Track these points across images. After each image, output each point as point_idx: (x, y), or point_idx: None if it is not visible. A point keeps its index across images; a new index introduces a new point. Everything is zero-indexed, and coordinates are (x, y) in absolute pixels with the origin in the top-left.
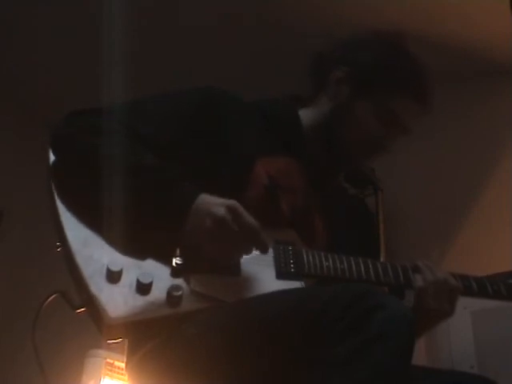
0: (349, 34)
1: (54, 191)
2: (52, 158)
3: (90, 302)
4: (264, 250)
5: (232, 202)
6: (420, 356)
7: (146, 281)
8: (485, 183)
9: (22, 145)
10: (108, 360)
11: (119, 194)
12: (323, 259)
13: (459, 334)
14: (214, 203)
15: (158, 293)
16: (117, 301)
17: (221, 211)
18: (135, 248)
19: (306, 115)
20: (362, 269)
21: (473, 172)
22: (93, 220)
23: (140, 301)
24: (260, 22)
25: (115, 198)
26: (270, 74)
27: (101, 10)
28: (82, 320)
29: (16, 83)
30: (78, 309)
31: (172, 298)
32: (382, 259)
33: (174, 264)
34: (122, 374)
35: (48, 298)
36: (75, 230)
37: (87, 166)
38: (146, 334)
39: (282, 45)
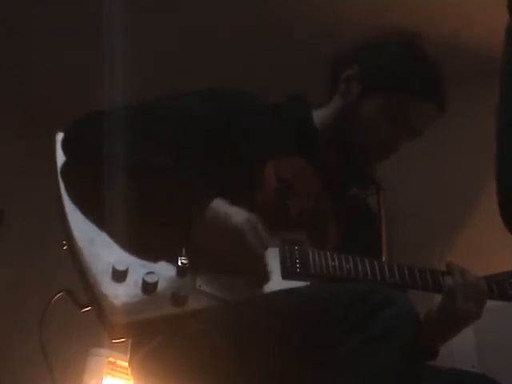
0: (362, 35)
1: (62, 190)
2: (60, 158)
3: (96, 301)
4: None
5: (249, 216)
6: None
7: (151, 280)
8: (485, 183)
9: (22, 145)
10: (110, 359)
11: (127, 194)
12: (329, 259)
13: (460, 333)
14: (232, 212)
15: (164, 292)
16: (122, 300)
17: (239, 222)
18: (141, 247)
19: (319, 116)
20: (368, 269)
21: (473, 172)
22: (100, 219)
23: (145, 300)
24: (260, 22)
25: (123, 198)
26: (270, 73)
27: (101, 10)
28: (85, 319)
29: (16, 83)
30: (84, 307)
31: (177, 297)
32: (383, 259)
33: (179, 263)
34: (123, 373)
35: (54, 296)
36: (82, 229)
37: (97, 166)
38: (150, 332)
39: (282, 45)
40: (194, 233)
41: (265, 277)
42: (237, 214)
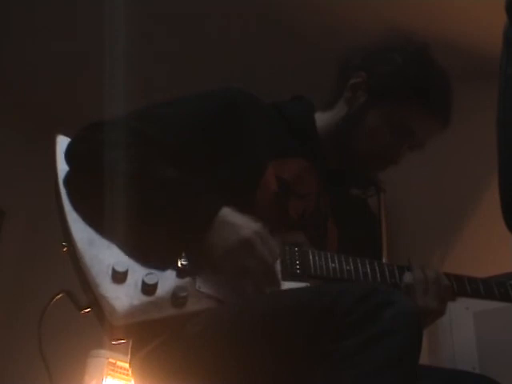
0: (363, 35)
1: (62, 194)
2: (61, 162)
3: (96, 303)
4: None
5: (258, 227)
6: (422, 356)
7: (151, 281)
8: (486, 184)
9: (22, 145)
10: (110, 360)
11: (131, 203)
12: (329, 260)
13: (461, 335)
14: (240, 223)
15: (164, 293)
16: (122, 301)
17: (248, 234)
18: (141, 249)
19: (321, 118)
20: (369, 270)
21: (474, 173)
22: (100, 220)
23: (145, 301)
24: (260, 22)
25: (127, 207)
26: (270, 74)
27: (101, 9)
28: (85, 320)
29: (16, 83)
30: (84, 309)
31: (177, 298)
32: (384, 260)
33: (179, 265)
34: (124, 374)
35: (54, 297)
36: (82, 231)
37: (102, 178)
38: (150, 333)
39: (283, 45)
40: (202, 240)
41: (276, 285)
42: (245, 226)
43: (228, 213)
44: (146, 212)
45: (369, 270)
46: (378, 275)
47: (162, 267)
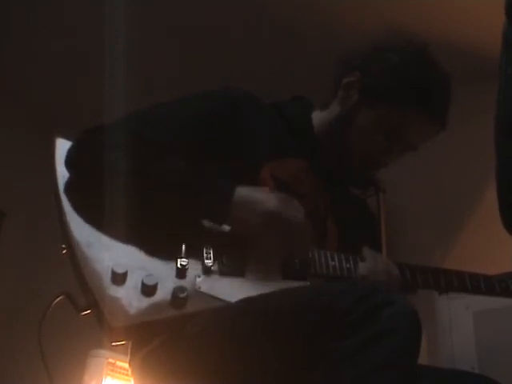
0: (374, 42)
1: (62, 197)
2: (60, 164)
3: (95, 305)
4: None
5: (279, 194)
6: (421, 356)
7: (150, 282)
8: (486, 184)
9: (22, 146)
10: (110, 360)
11: (129, 200)
12: (329, 259)
13: (461, 335)
14: (261, 197)
15: (163, 294)
16: (122, 303)
17: (273, 205)
18: (142, 250)
19: (318, 117)
20: None
21: (474, 173)
22: (100, 222)
23: (145, 303)
24: (260, 23)
25: (126, 203)
26: (270, 74)
27: (102, 8)
28: (85, 320)
29: (16, 83)
30: (83, 311)
31: (177, 299)
32: None
33: (178, 265)
34: (123, 374)
35: (54, 300)
36: (81, 233)
37: (103, 182)
38: (150, 334)
39: (283, 45)
40: (228, 224)
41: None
42: (267, 198)
43: (244, 190)
44: (147, 212)
45: None
46: None
47: (162, 268)
